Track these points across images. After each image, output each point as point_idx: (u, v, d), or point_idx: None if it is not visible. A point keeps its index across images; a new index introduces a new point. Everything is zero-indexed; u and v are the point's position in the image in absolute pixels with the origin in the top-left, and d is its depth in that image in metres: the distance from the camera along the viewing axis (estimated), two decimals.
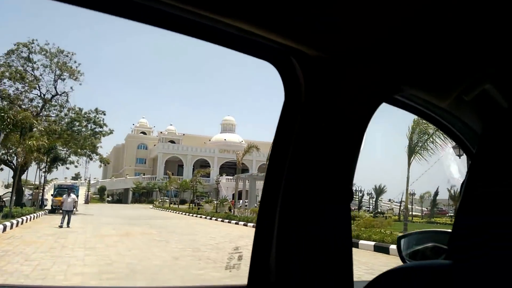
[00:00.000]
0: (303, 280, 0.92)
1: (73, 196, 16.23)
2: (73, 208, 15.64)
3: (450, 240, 0.71)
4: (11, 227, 13.77)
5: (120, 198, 51.98)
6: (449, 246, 0.75)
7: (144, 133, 58.52)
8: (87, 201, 42.52)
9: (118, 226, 16.19)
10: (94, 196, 48.91)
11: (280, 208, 0.95)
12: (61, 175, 58.33)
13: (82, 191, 44.43)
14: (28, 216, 17.57)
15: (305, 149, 0.94)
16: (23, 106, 25.26)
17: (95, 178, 55.65)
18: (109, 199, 51.05)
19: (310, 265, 0.92)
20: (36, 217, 19.23)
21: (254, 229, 1.03)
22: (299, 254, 0.93)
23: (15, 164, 23.69)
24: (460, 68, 0.94)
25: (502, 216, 0.63)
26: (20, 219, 15.71)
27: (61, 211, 22.52)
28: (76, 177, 61.48)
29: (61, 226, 14.68)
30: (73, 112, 25.76)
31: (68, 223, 15.08)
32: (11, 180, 24.73)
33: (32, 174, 41.02)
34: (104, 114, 26.44)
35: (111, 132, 26.82)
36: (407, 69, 0.94)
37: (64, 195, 16.39)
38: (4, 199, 26.33)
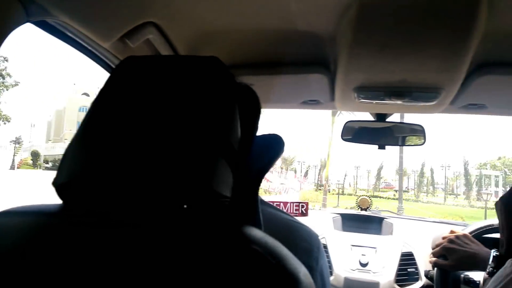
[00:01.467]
0: None
1: None
2: None
3: None
4: None
5: None
6: None
7: (87, 94, 53.09)
8: (13, 167, 37.88)
9: None
10: (28, 161, 44.25)
11: None
12: None
13: (9, 155, 39.88)
14: None
15: None
16: None
17: (30, 142, 50.37)
18: (48, 165, 46.45)
19: None
20: None
21: None
22: None
23: None
24: (124, 13, 0.95)
25: None
26: None
27: None
28: (17, 141, 56.05)
29: None
30: None
31: None
32: None
33: None
34: (7, 61, 22.02)
35: (16, 84, 22.52)
36: None
37: None
38: None
